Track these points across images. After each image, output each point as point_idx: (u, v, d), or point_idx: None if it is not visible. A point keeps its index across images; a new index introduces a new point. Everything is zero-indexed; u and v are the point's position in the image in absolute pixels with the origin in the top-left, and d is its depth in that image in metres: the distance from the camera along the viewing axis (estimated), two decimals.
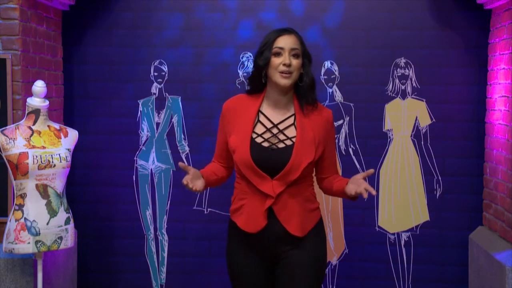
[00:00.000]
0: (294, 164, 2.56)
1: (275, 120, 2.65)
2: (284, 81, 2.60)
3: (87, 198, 4.27)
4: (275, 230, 2.61)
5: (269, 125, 2.64)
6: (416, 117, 4.15)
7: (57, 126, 3.39)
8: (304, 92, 2.65)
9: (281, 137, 2.62)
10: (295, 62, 2.60)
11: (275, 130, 2.63)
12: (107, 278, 4.29)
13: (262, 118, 2.66)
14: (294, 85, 2.65)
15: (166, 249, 4.26)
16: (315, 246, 2.67)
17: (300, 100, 2.66)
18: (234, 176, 2.75)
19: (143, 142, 4.24)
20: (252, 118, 2.64)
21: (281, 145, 2.60)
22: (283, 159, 2.57)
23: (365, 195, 2.48)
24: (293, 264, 2.63)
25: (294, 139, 2.60)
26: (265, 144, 2.61)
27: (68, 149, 3.35)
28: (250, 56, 4.15)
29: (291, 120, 2.65)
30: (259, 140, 2.62)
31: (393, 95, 4.15)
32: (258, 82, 2.68)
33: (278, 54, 2.60)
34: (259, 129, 2.64)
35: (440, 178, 4.15)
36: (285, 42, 2.61)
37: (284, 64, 2.58)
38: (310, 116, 2.65)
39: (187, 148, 4.22)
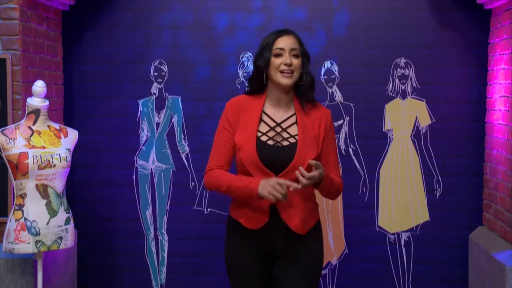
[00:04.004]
0: (299, 161, 2.60)
1: (278, 119, 2.71)
2: (286, 81, 2.65)
3: (87, 198, 4.27)
4: (277, 227, 2.64)
5: (272, 124, 2.70)
6: (416, 117, 4.15)
7: (57, 126, 3.39)
8: (304, 91, 2.71)
9: (285, 135, 2.68)
10: (296, 62, 2.66)
11: (278, 129, 2.69)
12: (107, 278, 4.29)
13: (265, 117, 2.71)
14: (294, 84, 2.69)
15: (166, 249, 4.26)
16: (314, 245, 2.72)
17: (300, 99, 2.72)
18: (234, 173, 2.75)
19: (143, 142, 4.24)
20: (257, 117, 2.69)
21: (285, 143, 2.65)
22: (287, 157, 2.61)
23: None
24: (291, 262, 2.67)
25: (297, 137, 2.66)
26: (270, 142, 2.66)
27: (68, 149, 3.35)
28: (250, 56, 4.15)
29: (293, 119, 2.71)
30: (264, 138, 2.67)
31: (393, 95, 4.15)
32: (259, 83, 2.73)
33: (278, 55, 2.66)
34: (263, 128, 2.69)
35: (440, 178, 4.15)
36: (285, 42, 2.66)
37: (285, 64, 2.63)
38: (310, 114, 2.71)
39: (187, 148, 4.22)
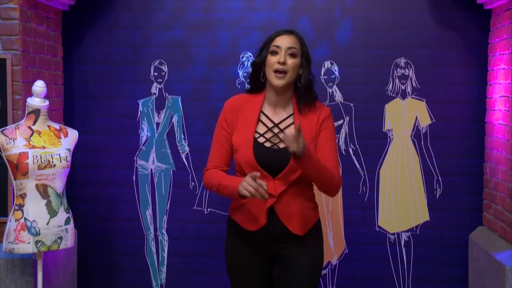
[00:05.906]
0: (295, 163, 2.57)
1: (276, 119, 2.69)
2: (277, 82, 2.62)
3: (87, 198, 4.27)
4: (275, 229, 2.63)
5: (270, 124, 2.68)
6: (416, 117, 4.15)
7: (57, 126, 3.39)
8: (301, 94, 2.67)
9: (282, 136, 2.63)
10: (291, 62, 2.62)
11: (276, 130, 2.67)
12: (107, 278, 4.29)
13: (263, 117, 2.69)
14: (293, 85, 2.67)
15: (166, 249, 4.26)
16: (313, 246, 2.71)
17: (298, 100, 2.68)
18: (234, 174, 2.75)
19: (143, 142, 4.24)
20: (255, 118, 2.67)
21: (282, 145, 2.63)
22: (284, 159, 2.59)
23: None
24: (291, 262, 2.66)
25: None
26: (267, 144, 2.64)
27: (68, 149, 3.35)
28: (250, 56, 4.15)
29: (291, 120, 2.68)
30: (261, 140, 2.64)
31: (393, 95, 4.15)
32: (257, 81, 2.71)
33: (274, 53, 2.63)
34: (261, 128, 2.67)
35: (440, 178, 4.15)
36: (283, 41, 2.64)
37: (279, 62, 2.60)
38: (308, 116, 2.68)
39: (187, 148, 4.22)
